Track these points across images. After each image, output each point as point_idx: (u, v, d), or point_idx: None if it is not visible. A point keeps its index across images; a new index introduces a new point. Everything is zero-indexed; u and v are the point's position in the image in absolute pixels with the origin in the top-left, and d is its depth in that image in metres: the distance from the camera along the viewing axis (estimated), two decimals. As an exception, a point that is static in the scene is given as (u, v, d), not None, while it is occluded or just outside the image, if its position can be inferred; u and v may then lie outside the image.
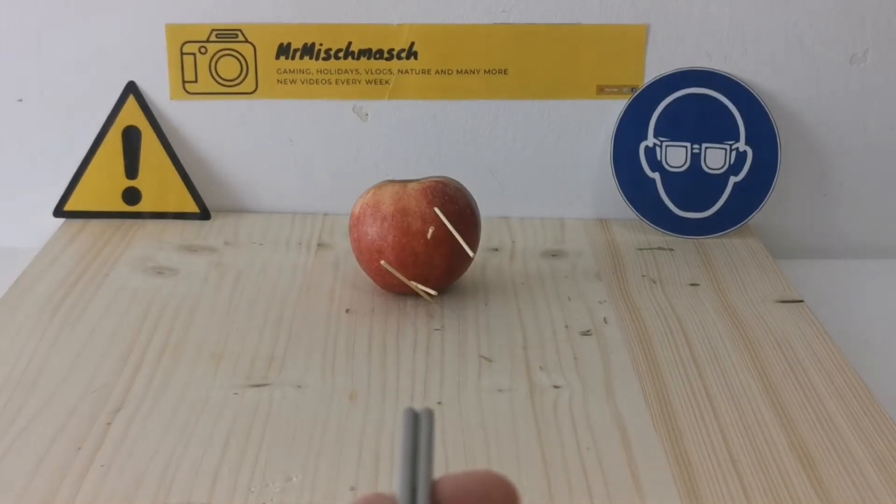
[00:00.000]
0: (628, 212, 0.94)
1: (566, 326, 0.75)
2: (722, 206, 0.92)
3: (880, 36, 0.92)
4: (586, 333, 0.74)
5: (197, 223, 0.94)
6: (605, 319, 0.77)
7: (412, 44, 0.92)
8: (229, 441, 0.61)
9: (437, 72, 0.93)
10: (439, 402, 0.65)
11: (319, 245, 0.90)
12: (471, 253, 0.76)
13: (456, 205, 0.76)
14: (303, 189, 0.96)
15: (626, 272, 0.85)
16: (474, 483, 0.29)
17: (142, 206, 0.94)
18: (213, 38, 0.92)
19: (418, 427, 0.31)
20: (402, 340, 0.73)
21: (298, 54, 0.93)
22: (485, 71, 0.93)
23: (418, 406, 0.32)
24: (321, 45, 0.92)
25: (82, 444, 0.60)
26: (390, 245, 0.75)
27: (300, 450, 0.60)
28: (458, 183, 0.79)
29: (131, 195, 0.94)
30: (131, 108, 0.93)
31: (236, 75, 0.93)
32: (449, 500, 0.28)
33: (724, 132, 0.92)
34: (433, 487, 0.29)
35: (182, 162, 0.94)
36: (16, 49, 0.92)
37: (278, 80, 0.93)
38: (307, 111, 0.94)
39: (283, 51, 0.93)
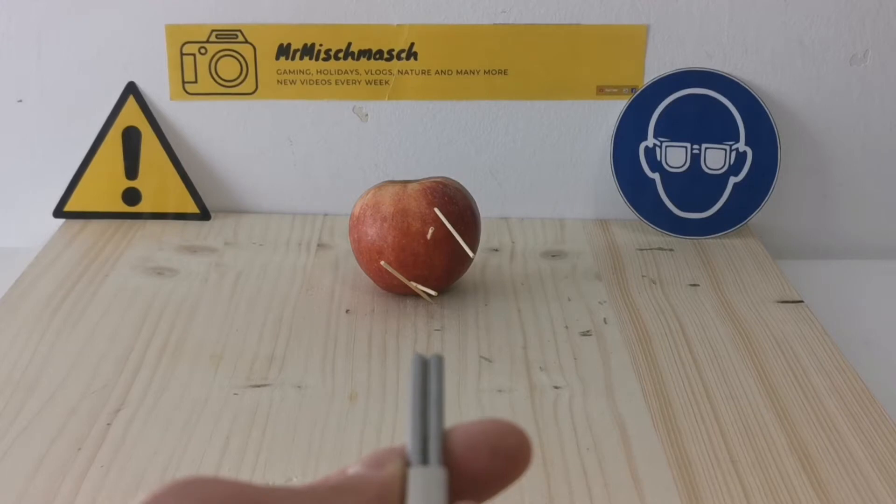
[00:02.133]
0: (628, 212, 0.94)
1: (566, 327, 0.75)
2: (722, 207, 0.92)
3: (880, 36, 0.92)
4: (586, 334, 0.74)
5: (197, 223, 0.94)
6: (604, 320, 0.77)
7: (412, 44, 0.92)
8: (229, 441, 0.61)
9: (437, 72, 0.93)
10: (439, 403, 0.65)
11: (319, 245, 0.90)
12: (471, 253, 0.76)
13: (456, 205, 0.76)
14: (303, 189, 0.96)
15: (625, 272, 0.85)
16: (487, 431, 0.29)
17: (142, 207, 0.94)
18: (213, 38, 0.92)
19: (428, 374, 0.30)
20: (402, 341, 0.73)
21: (298, 55, 0.93)
22: (485, 71, 0.93)
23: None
24: (321, 45, 0.93)
25: (82, 444, 0.60)
26: (390, 245, 0.75)
27: (300, 450, 0.60)
28: (458, 183, 0.79)
29: (131, 196, 0.94)
30: (131, 109, 0.93)
31: (236, 76, 0.93)
32: (461, 449, 0.28)
33: (724, 132, 0.92)
34: (445, 437, 0.29)
35: (182, 162, 0.94)
36: (16, 49, 0.92)
37: (278, 81, 0.93)
38: (307, 111, 0.94)
39: (283, 51, 0.93)
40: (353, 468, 0.28)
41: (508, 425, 0.29)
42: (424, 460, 0.28)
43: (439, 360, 0.31)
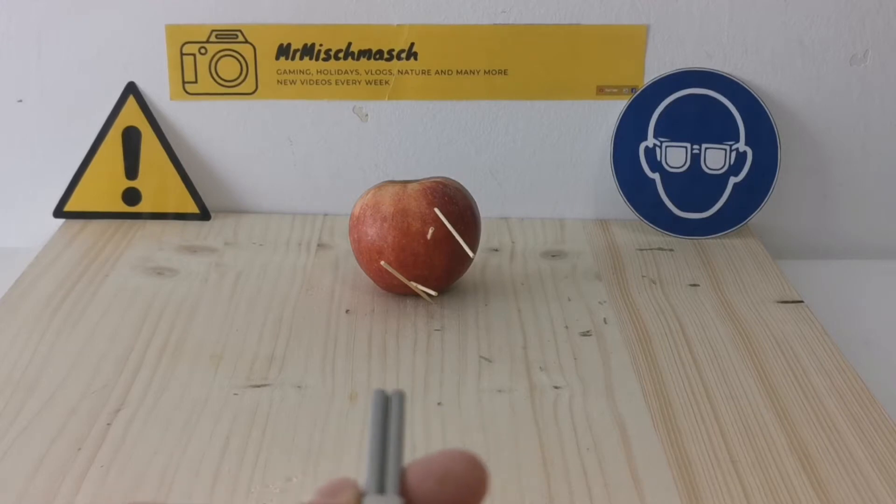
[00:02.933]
0: (628, 212, 0.94)
1: (566, 327, 0.75)
2: (722, 207, 0.92)
3: (880, 36, 0.92)
4: (586, 334, 0.74)
5: (197, 224, 0.94)
6: (604, 320, 0.77)
7: (412, 44, 0.92)
8: (229, 441, 0.61)
9: (436, 72, 0.93)
10: (439, 403, 0.65)
11: (319, 245, 0.90)
12: (471, 253, 0.76)
13: (456, 205, 0.76)
14: (303, 189, 0.96)
15: (625, 273, 0.85)
16: (437, 462, 0.29)
17: (142, 207, 0.94)
18: (213, 38, 0.92)
19: (389, 409, 0.31)
20: (402, 341, 0.73)
21: (298, 55, 0.93)
22: (484, 71, 0.93)
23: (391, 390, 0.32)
24: (321, 45, 0.93)
25: (82, 444, 0.60)
26: (390, 245, 0.75)
27: (300, 450, 0.60)
28: (458, 183, 0.79)
29: (131, 196, 0.94)
30: (131, 109, 0.93)
31: (236, 76, 0.93)
32: (413, 483, 0.29)
33: (724, 133, 0.92)
34: (402, 474, 0.29)
35: (182, 162, 0.94)
36: (16, 49, 0.92)
37: (278, 81, 0.93)
38: (307, 112, 0.94)
39: (283, 51, 0.93)
40: (309, 499, 0.29)
41: (460, 453, 0.29)
42: (381, 490, 0.29)
43: (401, 396, 0.31)
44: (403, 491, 0.29)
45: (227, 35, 0.92)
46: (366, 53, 0.93)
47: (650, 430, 0.63)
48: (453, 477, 0.29)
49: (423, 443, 0.61)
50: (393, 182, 0.78)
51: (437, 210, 0.75)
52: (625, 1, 0.91)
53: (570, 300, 0.80)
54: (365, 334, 0.74)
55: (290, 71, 0.93)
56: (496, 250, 0.89)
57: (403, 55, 0.93)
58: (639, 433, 0.62)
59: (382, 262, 0.75)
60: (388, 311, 0.77)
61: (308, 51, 0.93)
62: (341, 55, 0.93)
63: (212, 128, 0.95)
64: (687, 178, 0.92)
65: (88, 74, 0.93)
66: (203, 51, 0.93)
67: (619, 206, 0.94)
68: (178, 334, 0.74)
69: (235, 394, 0.66)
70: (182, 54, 0.93)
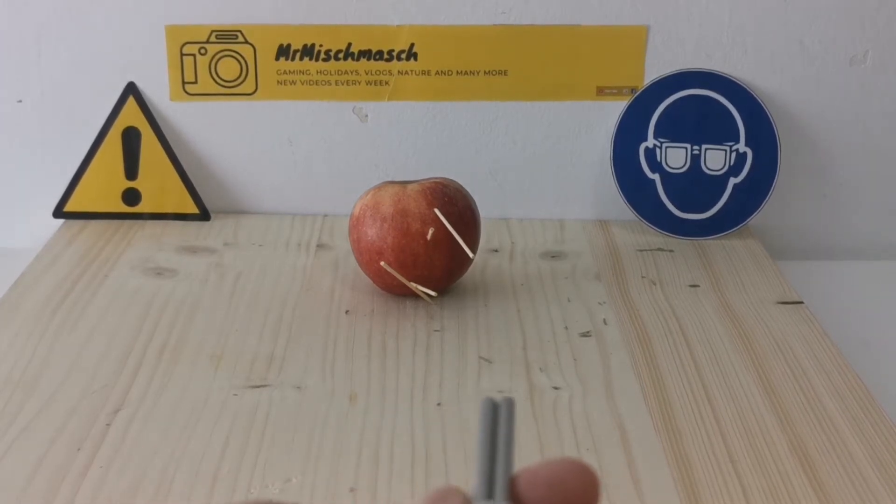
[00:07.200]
0: (628, 213, 0.94)
1: (566, 328, 0.75)
2: (722, 208, 0.92)
3: (880, 37, 0.92)
4: (586, 335, 0.74)
5: (196, 224, 0.94)
6: (604, 321, 0.77)
7: (412, 45, 0.92)
8: (229, 442, 0.61)
9: (436, 73, 0.93)
10: (439, 404, 0.65)
11: (319, 246, 0.90)
12: (470, 254, 0.76)
13: (455, 206, 0.76)
14: (303, 190, 0.96)
15: (625, 273, 0.85)
16: (550, 471, 0.29)
17: (141, 207, 0.94)
18: (212, 38, 0.92)
19: (498, 417, 0.30)
20: (402, 341, 0.73)
21: (298, 55, 0.93)
22: (484, 72, 0.93)
23: (499, 398, 0.31)
24: (321, 46, 0.93)
25: (82, 444, 0.60)
26: (390, 246, 0.75)
27: (300, 451, 0.60)
28: (458, 184, 0.79)
29: (131, 196, 0.94)
30: (131, 109, 0.93)
31: (236, 76, 0.93)
32: (525, 492, 0.28)
33: (724, 133, 0.92)
34: (512, 482, 0.29)
35: (182, 163, 0.94)
36: (16, 49, 0.92)
37: (278, 82, 0.93)
38: (307, 112, 0.94)
39: (283, 52, 0.93)
40: None
41: (573, 463, 0.29)
42: (490, 497, 0.28)
43: (510, 403, 0.31)
44: (513, 498, 0.28)
45: (227, 35, 0.92)
46: (366, 54, 0.93)
47: (650, 431, 0.63)
48: (564, 484, 0.28)
49: (422, 443, 0.61)
50: (393, 182, 0.78)
51: (436, 210, 0.75)
52: (625, 1, 0.91)
53: (569, 301, 0.80)
54: (365, 335, 0.74)
55: (290, 71, 0.93)
56: (496, 251, 0.89)
57: (403, 56, 0.93)
58: (639, 433, 0.62)
59: (382, 263, 0.75)
60: (388, 312, 0.77)
61: (308, 51, 0.93)
62: (341, 55, 0.93)
63: (211, 128, 0.95)
64: (687, 178, 0.92)
65: (88, 74, 0.93)
66: (203, 51, 0.93)
67: (618, 207, 0.94)
68: (178, 334, 0.74)
69: (235, 394, 0.66)
70: (182, 55, 0.93)
